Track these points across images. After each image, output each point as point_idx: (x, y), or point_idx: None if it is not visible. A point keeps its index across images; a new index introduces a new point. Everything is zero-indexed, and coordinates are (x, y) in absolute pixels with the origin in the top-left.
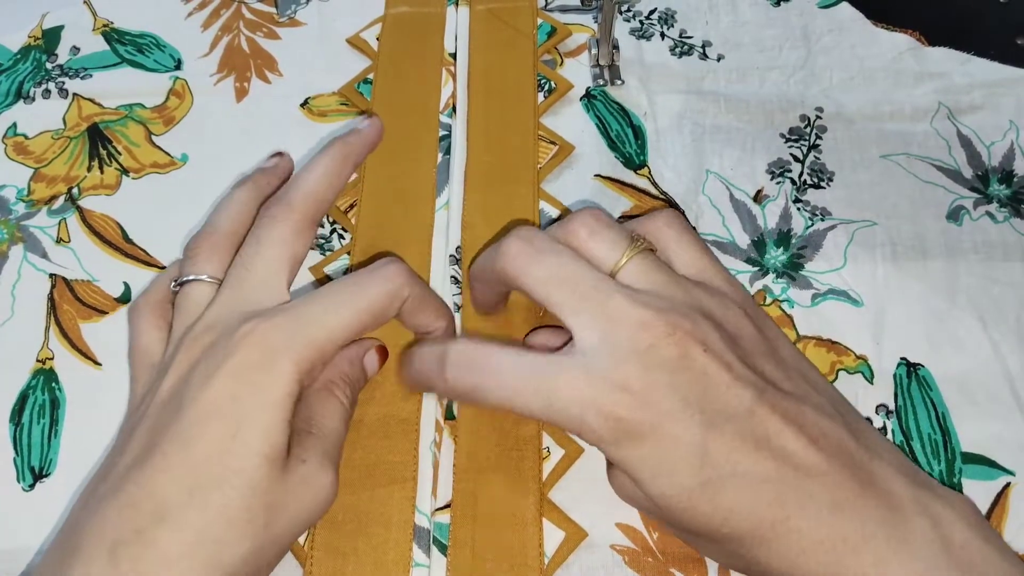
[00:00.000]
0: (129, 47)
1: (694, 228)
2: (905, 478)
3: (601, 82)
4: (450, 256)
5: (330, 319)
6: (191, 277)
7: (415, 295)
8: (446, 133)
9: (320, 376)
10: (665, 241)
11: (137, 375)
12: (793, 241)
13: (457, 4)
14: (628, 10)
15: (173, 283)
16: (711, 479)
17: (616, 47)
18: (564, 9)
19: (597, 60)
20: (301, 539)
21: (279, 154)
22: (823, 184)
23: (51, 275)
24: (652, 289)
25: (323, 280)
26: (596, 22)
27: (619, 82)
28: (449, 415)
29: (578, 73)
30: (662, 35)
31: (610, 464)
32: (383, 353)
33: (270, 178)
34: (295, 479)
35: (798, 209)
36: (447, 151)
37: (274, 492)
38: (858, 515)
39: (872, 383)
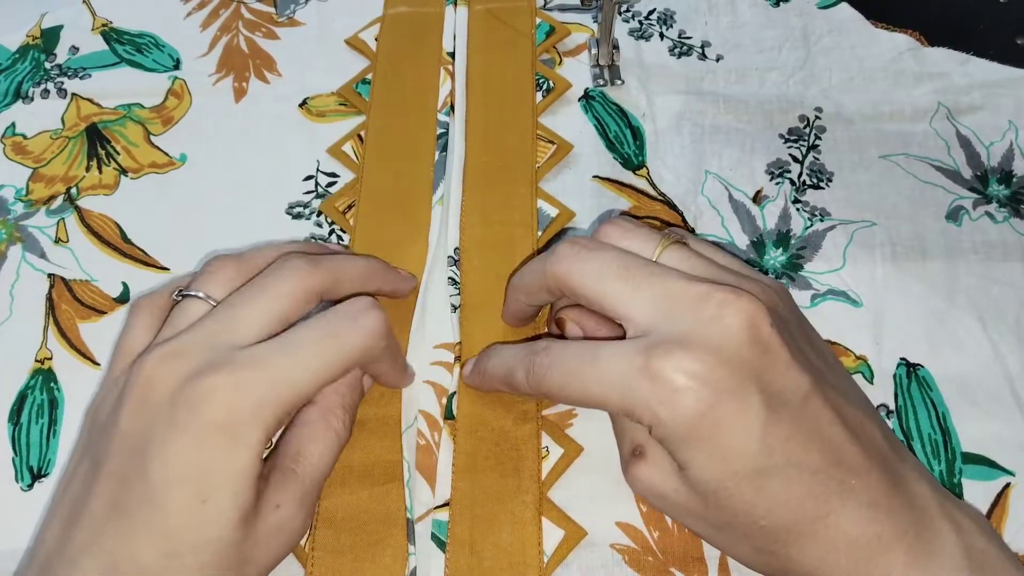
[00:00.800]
0: (128, 47)
1: None
2: (928, 483)
3: (601, 82)
4: (448, 257)
5: (301, 375)
6: (194, 293)
7: (390, 347)
8: (444, 131)
9: (319, 401)
10: (693, 243)
11: (115, 364)
12: (792, 242)
13: (456, 4)
14: (627, 10)
15: (176, 292)
16: (764, 468)
17: (616, 47)
18: (563, 8)
19: (597, 60)
20: (302, 540)
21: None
22: (822, 185)
23: (49, 275)
24: (697, 272)
25: None
26: (596, 22)
27: (619, 82)
28: (448, 415)
29: (577, 72)
30: (661, 35)
31: (634, 455)
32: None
33: (325, 249)
34: (269, 528)
35: (797, 210)
36: (444, 148)
37: (247, 546)
38: (892, 515)
39: (872, 383)
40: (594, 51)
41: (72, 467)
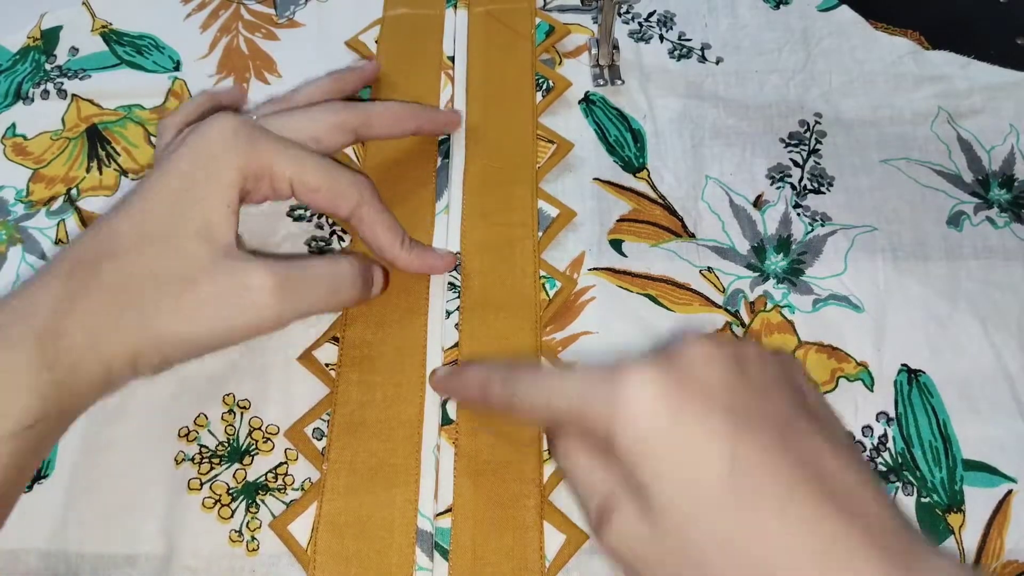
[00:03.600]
0: (128, 48)
1: None
2: (927, 543)
3: (601, 82)
4: None
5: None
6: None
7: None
8: (445, 137)
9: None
10: None
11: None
12: (793, 247)
13: (455, 6)
14: (627, 11)
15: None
16: (738, 481)
17: (616, 47)
18: (563, 9)
19: (597, 60)
20: (304, 542)
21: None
22: (823, 189)
23: None
24: None
25: None
26: (595, 23)
27: (619, 82)
28: (445, 420)
29: (577, 73)
30: (661, 38)
31: (602, 511)
32: (386, 277)
33: (354, 81)
34: (225, 270)
35: (798, 214)
36: (446, 155)
37: (198, 271)
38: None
39: (872, 390)
40: (594, 51)
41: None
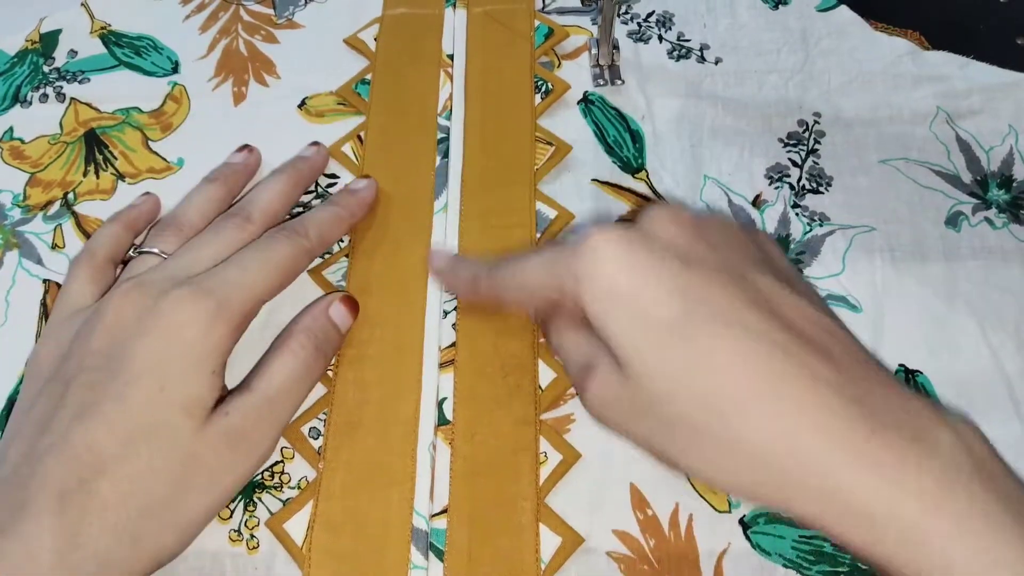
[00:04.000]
0: (127, 49)
1: None
2: (921, 399)
3: (601, 82)
4: None
5: (252, 278)
6: (150, 249)
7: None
8: (444, 136)
9: (287, 329)
10: None
11: (58, 314)
12: (791, 247)
13: (455, 6)
14: (626, 11)
15: (133, 249)
16: (686, 320)
17: (616, 47)
18: (562, 11)
19: (597, 60)
20: (299, 541)
21: (247, 147)
22: (822, 189)
23: (44, 280)
24: None
25: (323, 284)
26: (595, 24)
27: (619, 82)
28: (442, 420)
29: (576, 76)
30: (660, 38)
31: (584, 373)
32: (350, 304)
33: (239, 176)
34: (218, 432)
35: (796, 214)
36: (445, 154)
37: (197, 442)
38: (878, 414)
39: None
40: (594, 51)
41: (32, 396)
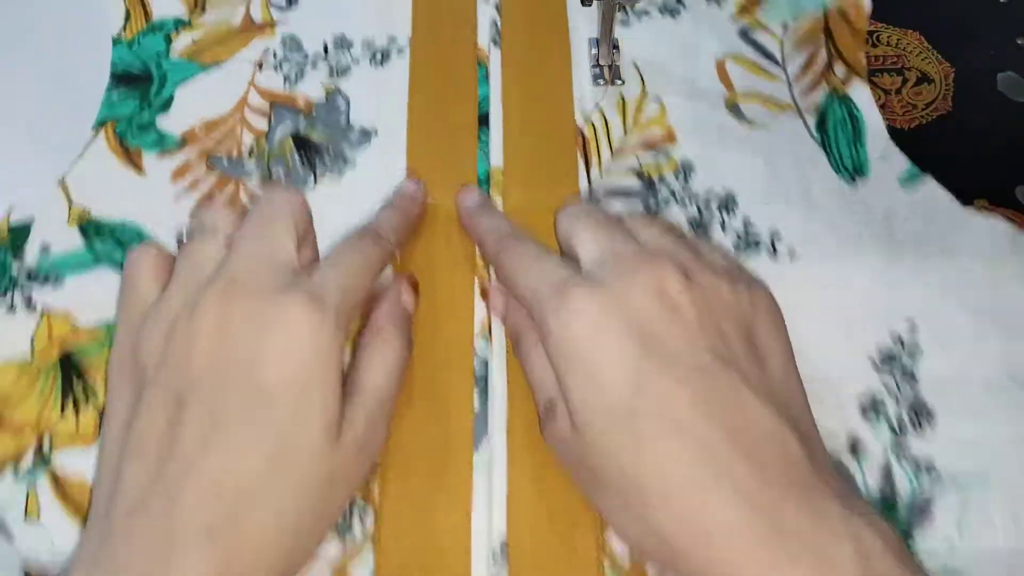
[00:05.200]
0: (107, 241)
1: None
2: (841, 502)
3: (601, 82)
4: None
5: (353, 280)
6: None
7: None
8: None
9: (370, 325)
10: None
11: (128, 315)
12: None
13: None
14: (626, 11)
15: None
16: (637, 410)
17: (616, 47)
18: (613, 193)
19: (597, 60)
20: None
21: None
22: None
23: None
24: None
25: None
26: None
27: (619, 82)
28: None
29: None
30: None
31: (546, 412)
32: (413, 283)
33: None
34: (347, 445)
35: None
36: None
37: (335, 459)
38: (776, 524)
39: None
40: (594, 51)
41: (128, 403)
